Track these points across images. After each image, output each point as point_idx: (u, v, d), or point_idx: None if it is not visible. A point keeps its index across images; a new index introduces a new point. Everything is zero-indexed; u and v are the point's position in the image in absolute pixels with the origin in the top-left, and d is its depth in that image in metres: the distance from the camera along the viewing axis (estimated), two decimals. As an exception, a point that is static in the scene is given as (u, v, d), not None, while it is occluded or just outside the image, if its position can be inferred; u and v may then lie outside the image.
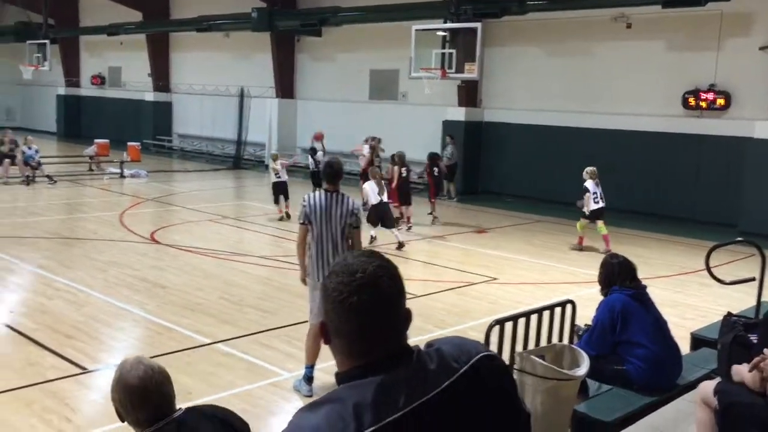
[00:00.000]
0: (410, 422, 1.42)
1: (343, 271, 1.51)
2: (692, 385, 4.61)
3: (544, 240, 13.62)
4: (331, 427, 1.40)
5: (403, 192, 14.17)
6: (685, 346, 5.81)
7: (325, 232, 5.80)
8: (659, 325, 5.06)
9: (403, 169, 14.25)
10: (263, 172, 23.15)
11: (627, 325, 4.88)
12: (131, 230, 12.88)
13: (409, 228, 13.99)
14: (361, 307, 1.48)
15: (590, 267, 11.03)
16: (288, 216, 14.40)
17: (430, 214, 15.08)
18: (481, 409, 1.52)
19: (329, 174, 6.01)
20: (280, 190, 14.76)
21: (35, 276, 9.62)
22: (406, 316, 1.54)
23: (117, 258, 10.68)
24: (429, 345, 1.57)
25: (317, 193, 5.98)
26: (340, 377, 1.52)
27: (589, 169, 12.55)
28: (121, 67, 31.77)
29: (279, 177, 14.77)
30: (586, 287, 9.56)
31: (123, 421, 2.59)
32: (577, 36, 17.45)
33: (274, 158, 15.25)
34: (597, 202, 12.30)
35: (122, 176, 20.60)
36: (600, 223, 12.35)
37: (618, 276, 5.07)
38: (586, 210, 12.33)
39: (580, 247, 12.60)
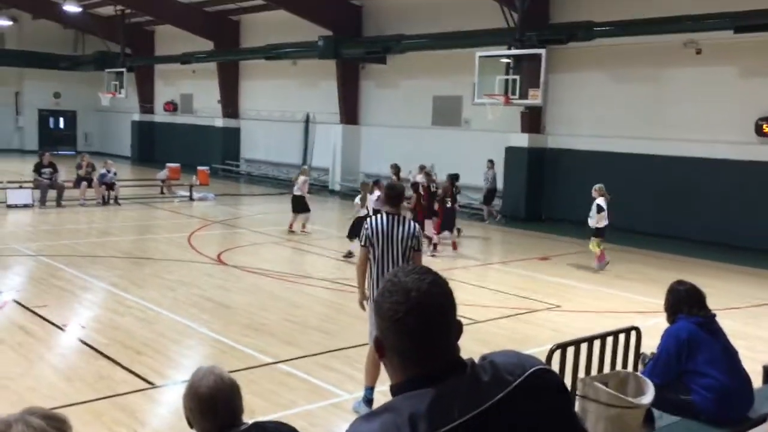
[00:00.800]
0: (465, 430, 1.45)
1: (396, 290, 1.53)
2: (764, 419, 4.45)
3: (609, 268, 13.35)
4: None
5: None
6: (757, 380, 5.60)
7: (386, 255, 5.86)
8: (728, 354, 4.87)
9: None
10: (327, 196, 23.51)
11: (693, 354, 4.74)
12: (199, 251, 13.24)
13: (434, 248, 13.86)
14: (417, 326, 1.51)
15: (656, 296, 10.79)
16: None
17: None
18: (536, 422, 1.52)
19: (391, 197, 6.09)
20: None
21: (108, 293, 9.99)
22: (458, 329, 1.58)
23: (185, 278, 11.00)
24: (483, 358, 1.60)
25: (379, 216, 6.05)
26: (395, 389, 1.56)
27: (597, 186, 12.75)
28: (192, 94, 32.89)
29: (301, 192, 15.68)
30: (652, 317, 9.32)
31: (192, 428, 2.67)
32: (645, 62, 17.19)
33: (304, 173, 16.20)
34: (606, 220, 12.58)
35: (191, 199, 21.22)
36: (596, 241, 12.63)
37: (685, 303, 4.94)
38: (594, 225, 12.58)
39: (604, 264, 12.69)
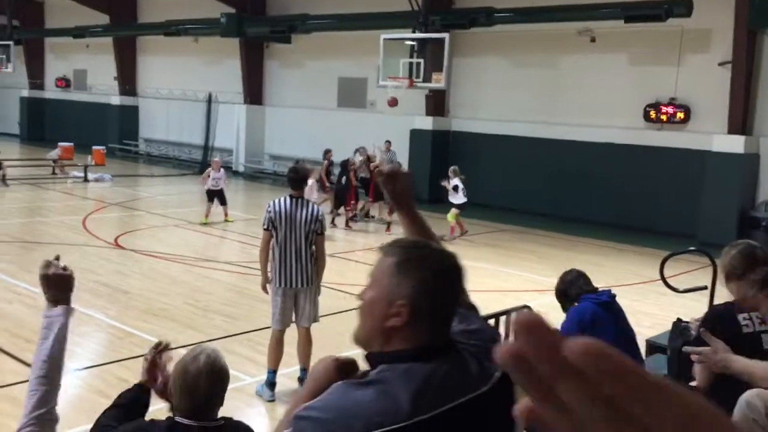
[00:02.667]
0: (455, 416, 1.48)
1: (436, 256, 1.64)
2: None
3: (506, 248, 13.80)
4: (381, 409, 1.42)
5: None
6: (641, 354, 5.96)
7: (289, 238, 5.84)
8: (626, 336, 5.04)
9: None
10: (230, 177, 23.03)
11: (594, 335, 4.86)
12: (94, 235, 12.75)
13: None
14: (451, 292, 1.60)
15: (550, 275, 11.24)
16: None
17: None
18: (504, 417, 1.59)
19: (294, 179, 6.07)
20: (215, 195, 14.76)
21: (-5, 280, 9.48)
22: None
23: (79, 263, 10.54)
24: (464, 335, 1.66)
25: (282, 199, 6.01)
26: (386, 356, 1.54)
27: (453, 168, 14.57)
28: (86, 70, 31.40)
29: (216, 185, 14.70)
30: (549, 295, 9.72)
31: (164, 399, 2.66)
32: (544, 48, 17.76)
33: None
34: (465, 197, 14.13)
35: (86, 180, 20.34)
36: (455, 213, 14.20)
37: (574, 285, 5.10)
38: (455, 201, 14.22)
39: (454, 237, 14.05)
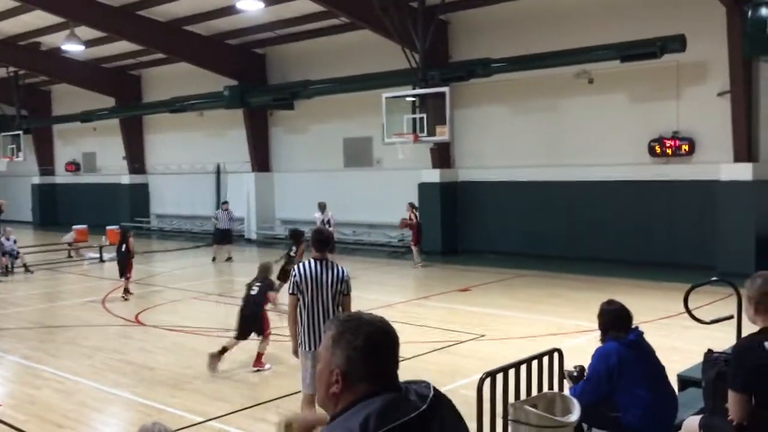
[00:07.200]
0: (409, 430, 1.83)
1: (362, 323, 1.92)
2: (680, 426, 4.69)
3: (527, 294, 13.75)
4: None
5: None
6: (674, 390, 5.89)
7: (316, 301, 5.84)
8: (655, 372, 5.04)
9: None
10: (243, 246, 23.23)
11: (622, 375, 4.85)
12: (115, 314, 12.81)
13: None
14: (385, 349, 1.92)
15: (574, 317, 11.19)
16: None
17: None
18: (449, 422, 1.97)
19: (319, 241, 6.09)
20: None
21: (21, 367, 9.51)
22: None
23: (102, 343, 10.61)
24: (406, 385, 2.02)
25: (306, 262, 6.02)
26: (346, 409, 1.87)
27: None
28: (95, 153, 32.00)
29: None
30: (571, 338, 9.68)
31: None
32: (543, 93, 18.03)
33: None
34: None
35: (102, 261, 20.51)
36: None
37: (613, 324, 5.06)
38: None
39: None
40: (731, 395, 3.82)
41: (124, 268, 14.54)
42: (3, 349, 10.35)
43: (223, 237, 20.20)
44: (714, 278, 7.27)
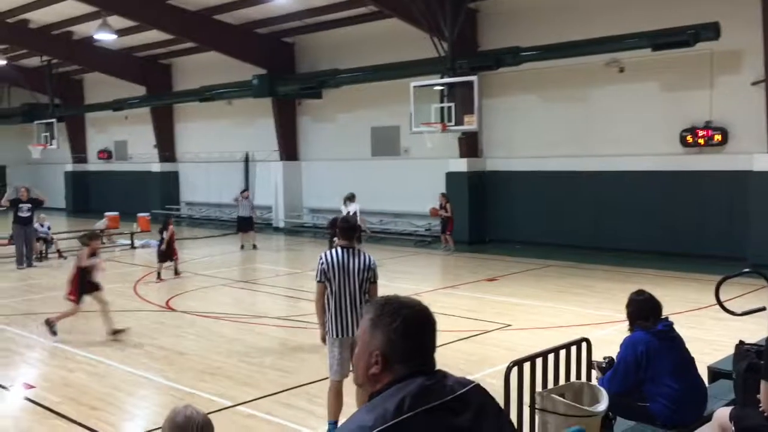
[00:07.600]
0: (436, 414, 1.87)
1: (401, 306, 1.96)
2: (710, 417, 4.66)
3: (554, 284, 13.69)
4: (373, 417, 1.82)
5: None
6: (703, 380, 5.85)
7: (343, 289, 5.89)
8: (684, 363, 5.01)
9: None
10: (271, 234, 23.40)
11: (650, 365, 4.83)
12: (146, 300, 13.01)
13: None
14: (424, 331, 1.98)
15: (602, 308, 11.13)
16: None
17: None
18: (488, 410, 2.01)
19: (345, 229, 6.14)
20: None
21: (55, 350, 9.72)
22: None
23: (134, 328, 10.78)
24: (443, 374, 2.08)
25: (334, 250, 6.06)
26: (375, 395, 1.92)
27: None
28: (126, 141, 32.42)
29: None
30: (599, 328, 9.63)
31: None
32: (572, 83, 17.85)
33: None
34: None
35: (133, 247, 20.82)
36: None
37: (641, 313, 5.04)
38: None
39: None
40: (764, 386, 3.80)
41: (167, 252, 15.41)
42: (38, 332, 10.58)
43: (246, 224, 20.36)
44: (746, 269, 7.18)
